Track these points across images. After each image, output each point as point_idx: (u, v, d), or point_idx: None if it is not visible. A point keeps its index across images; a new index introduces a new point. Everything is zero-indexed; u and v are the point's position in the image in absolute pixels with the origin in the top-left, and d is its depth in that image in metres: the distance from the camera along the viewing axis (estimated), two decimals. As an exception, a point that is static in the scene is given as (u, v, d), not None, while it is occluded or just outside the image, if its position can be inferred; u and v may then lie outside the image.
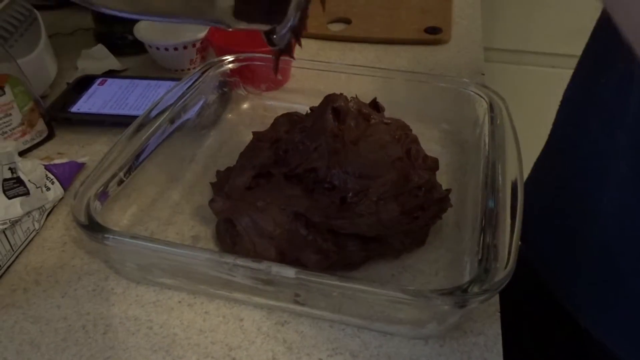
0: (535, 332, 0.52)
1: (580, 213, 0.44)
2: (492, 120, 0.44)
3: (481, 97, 0.48)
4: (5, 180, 0.39)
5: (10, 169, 0.39)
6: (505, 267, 0.31)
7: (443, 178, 0.45)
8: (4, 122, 0.48)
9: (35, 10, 0.61)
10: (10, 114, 0.48)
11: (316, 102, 0.47)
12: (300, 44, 0.33)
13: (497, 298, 0.37)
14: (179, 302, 0.37)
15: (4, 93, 0.47)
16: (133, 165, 0.42)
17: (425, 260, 0.40)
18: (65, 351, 0.34)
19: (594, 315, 0.43)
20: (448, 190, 0.41)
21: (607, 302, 0.42)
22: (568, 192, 0.46)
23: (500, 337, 0.35)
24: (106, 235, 0.34)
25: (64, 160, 0.47)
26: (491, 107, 0.46)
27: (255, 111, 0.57)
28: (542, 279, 0.49)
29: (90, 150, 0.52)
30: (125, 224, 0.42)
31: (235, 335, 0.35)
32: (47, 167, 0.44)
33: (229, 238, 0.38)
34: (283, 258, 0.37)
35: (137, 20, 0.65)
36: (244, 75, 0.55)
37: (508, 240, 0.33)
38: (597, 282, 0.43)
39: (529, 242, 0.46)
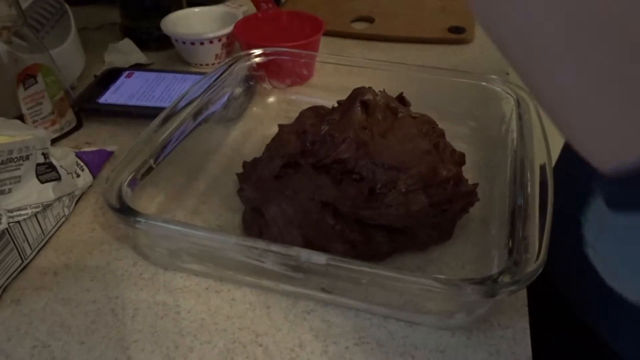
0: (552, 342, 0.52)
1: None
2: (520, 116, 0.44)
3: (508, 93, 0.48)
4: (38, 164, 0.39)
5: (43, 154, 0.40)
6: (537, 260, 0.31)
7: (469, 174, 0.45)
8: (35, 111, 0.49)
9: (66, 4, 0.62)
10: (42, 103, 0.49)
11: (340, 97, 0.47)
12: None
13: (524, 292, 0.37)
14: (206, 288, 0.38)
15: (37, 82, 0.48)
16: (161, 154, 0.43)
17: (452, 253, 0.40)
18: (95, 333, 0.35)
19: (612, 327, 0.43)
20: (475, 185, 0.41)
21: (624, 314, 0.42)
22: (586, 201, 0.45)
23: (528, 331, 0.35)
24: (138, 219, 0.34)
25: (94, 149, 0.47)
26: (518, 104, 0.46)
27: (279, 105, 0.57)
28: (558, 289, 0.48)
29: (117, 141, 0.53)
30: (153, 212, 0.43)
31: (262, 322, 0.35)
32: (77, 154, 0.45)
33: (256, 227, 0.39)
34: (310, 247, 0.36)
35: (162, 14, 0.66)
36: (270, 69, 0.56)
37: (538, 233, 0.33)
38: (613, 293, 0.42)
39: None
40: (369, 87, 0.44)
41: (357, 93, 0.43)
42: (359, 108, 0.41)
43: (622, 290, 0.16)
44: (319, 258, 0.31)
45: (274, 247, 0.32)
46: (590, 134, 0.17)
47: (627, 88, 0.15)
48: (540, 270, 0.31)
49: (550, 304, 0.50)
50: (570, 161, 0.49)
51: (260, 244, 0.32)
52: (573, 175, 0.47)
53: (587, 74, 0.16)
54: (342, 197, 0.37)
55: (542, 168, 0.38)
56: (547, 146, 0.40)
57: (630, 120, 0.16)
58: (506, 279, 0.30)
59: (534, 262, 0.31)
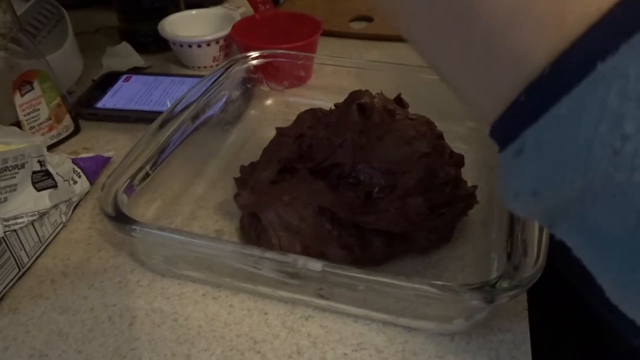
0: (562, 334, 0.51)
1: None
2: (519, 116, 0.43)
3: (507, 93, 0.47)
4: (34, 172, 0.39)
5: (39, 161, 0.40)
6: (536, 264, 0.30)
7: (468, 175, 0.44)
8: (32, 117, 0.49)
9: (63, 8, 0.62)
10: (39, 109, 0.49)
11: (338, 99, 0.46)
12: None
13: (524, 295, 0.36)
14: (204, 295, 0.37)
15: (33, 88, 0.48)
16: (158, 160, 0.42)
17: (451, 257, 0.39)
18: (92, 342, 0.35)
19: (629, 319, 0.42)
20: (474, 187, 0.40)
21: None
22: None
23: (528, 335, 0.34)
24: (133, 227, 0.34)
25: (91, 155, 0.47)
26: (518, 103, 0.45)
27: (277, 107, 0.57)
28: (569, 281, 0.48)
29: (115, 146, 0.52)
30: (150, 218, 0.42)
31: (259, 328, 0.35)
32: (74, 161, 0.45)
33: (254, 232, 0.39)
34: (307, 252, 0.36)
35: (160, 17, 0.65)
36: (267, 71, 0.56)
37: (537, 235, 0.32)
38: None
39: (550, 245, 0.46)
40: (366, 90, 0.43)
41: (354, 96, 0.42)
42: (356, 111, 0.41)
43: (513, 210, 0.22)
44: (314, 265, 0.31)
45: (269, 254, 0.32)
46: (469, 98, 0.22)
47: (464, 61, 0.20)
48: (540, 274, 0.30)
49: (553, 302, 0.50)
50: None
51: (256, 251, 0.32)
52: None
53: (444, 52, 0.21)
54: (339, 202, 0.37)
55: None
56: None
57: (480, 87, 0.20)
58: (505, 284, 0.29)
59: (532, 266, 0.31)
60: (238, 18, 0.65)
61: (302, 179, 0.39)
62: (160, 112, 0.46)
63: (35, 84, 0.48)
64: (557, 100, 0.17)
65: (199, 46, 0.62)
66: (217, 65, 0.65)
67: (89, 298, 0.38)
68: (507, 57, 0.19)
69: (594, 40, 0.16)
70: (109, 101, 0.56)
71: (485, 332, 0.34)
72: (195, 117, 0.47)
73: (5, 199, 0.37)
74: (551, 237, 0.32)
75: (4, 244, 0.36)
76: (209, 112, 0.49)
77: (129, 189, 0.39)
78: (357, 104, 0.42)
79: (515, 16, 0.18)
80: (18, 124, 0.48)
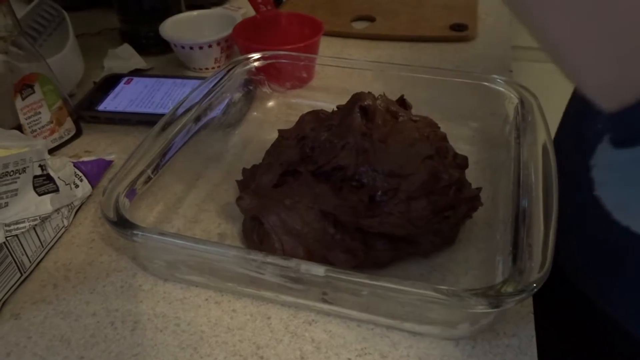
0: (571, 336, 0.51)
1: (603, 216, 0.42)
2: (524, 117, 0.43)
3: (511, 93, 0.47)
4: (35, 177, 0.39)
5: (40, 166, 0.40)
6: (541, 268, 0.30)
7: (472, 176, 0.44)
8: (34, 121, 0.49)
9: (64, 11, 0.62)
10: (40, 112, 0.49)
11: (341, 100, 0.46)
12: None
13: (530, 299, 0.36)
14: (206, 299, 0.37)
15: (34, 92, 0.48)
16: (160, 163, 0.42)
17: (455, 259, 0.39)
18: (95, 347, 0.34)
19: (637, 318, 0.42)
20: (479, 189, 0.40)
21: None
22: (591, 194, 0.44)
23: (534, 339, 0.34)
24: (135, 232, 0.34)
25: (92, 158, 0.47)
26: (522, 104, 0.45)
27: (280, 109, 0.57)
28: (574, 284, 0.47)
29: (117, 148, 0.52)
30: (152, 221, 0.42)
31: (262, 333, 0.35)
32: (75, 165, 0.44)
33: (256, 236, 0.38)
34: (310, 257, 0.36)
35: (161, 18, 0.65)
36: (269, 73, 0.55)
37: (543, 239, 0.32)
38: (634, 284, 0.41)
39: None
40: (368, 92, 0.43)
41: (356, 98, 0.42)
42: (358, 114, 0.41)
43: (633, 225, 0.17)
44: (317, 270, 0.31)
45: (272, 259, 0.31)
46: (596, 79, 0.18)
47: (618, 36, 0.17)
48: (546, 279, 0.30)
49: (559, 305, 0.49)
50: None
51: (258, 256, 0.32)
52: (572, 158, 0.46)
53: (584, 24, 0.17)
54: (342, 206, 0.36)
55: (547, 170, 0.37)
56: (551, 147, 0.40)
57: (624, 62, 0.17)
58: (509, 289, 0.29)
59: (538, 270, 0.30)
60: (239, 19, 0.65)
61: (304, 182, 0.39)
62: (162, 115, 0.46)
63: (36, 87, 0.48)
64: None
65: (201, 48, 0.62)
66: (218, 66, 0.65)
67: (91, 303, 0.37)
68: None
69: None
70: (110, 104, 0.56)
71: (491, 336, 0.34)
72: (197, 119, 0.47)
73: (7, 204, 0.37)
74: (557, 240, 0.32)
75: (5, 249, 0.36)
76: (211, 115, 0.49)
77: (131, 193, 0.39)
78: (359, 106, 0.41)
79: None
80: (19, 128, 0.48)
